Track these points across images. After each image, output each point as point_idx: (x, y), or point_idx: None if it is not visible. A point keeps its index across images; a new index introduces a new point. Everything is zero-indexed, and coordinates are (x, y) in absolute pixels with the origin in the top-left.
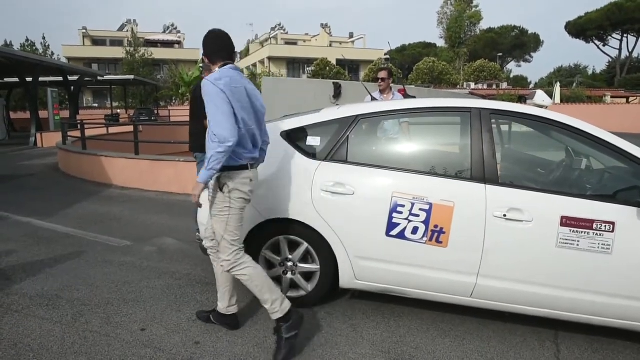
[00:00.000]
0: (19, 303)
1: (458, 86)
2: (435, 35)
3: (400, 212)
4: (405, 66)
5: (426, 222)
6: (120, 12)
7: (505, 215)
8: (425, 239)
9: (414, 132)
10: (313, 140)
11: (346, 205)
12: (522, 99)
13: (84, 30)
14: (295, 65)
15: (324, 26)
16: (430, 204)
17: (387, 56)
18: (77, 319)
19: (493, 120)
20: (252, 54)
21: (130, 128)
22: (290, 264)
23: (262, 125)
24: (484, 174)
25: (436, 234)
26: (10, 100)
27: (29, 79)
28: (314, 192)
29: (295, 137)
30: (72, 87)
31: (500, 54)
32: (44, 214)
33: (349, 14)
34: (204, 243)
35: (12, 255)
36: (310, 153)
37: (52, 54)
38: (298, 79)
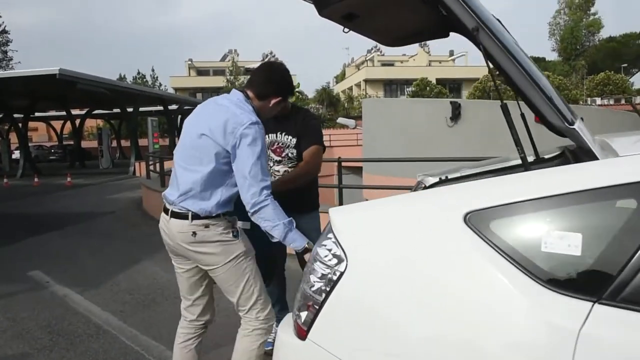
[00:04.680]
0: None
1: (581, 102)
2: (544, 49)
3: None
4: None
5: None
6: (223, 43)
7: None
8: None
9: None
10: (567, 243)
11: None
12: None
13: (190, 62)
14: (392, 87)
15: (423, 45)
16: None
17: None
18: None
19: None
20: (348, 77)
21: None
22: None
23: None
24: None
25: None
26: (122, 130)
27: (130, 109)
28: None
29: (511, 231)
30: (172, 116)
31: (625, 65)
32: (90, 281)
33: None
34: None
35: None
36: (562, 280)
37: (160, 84)
38: (405, 99)
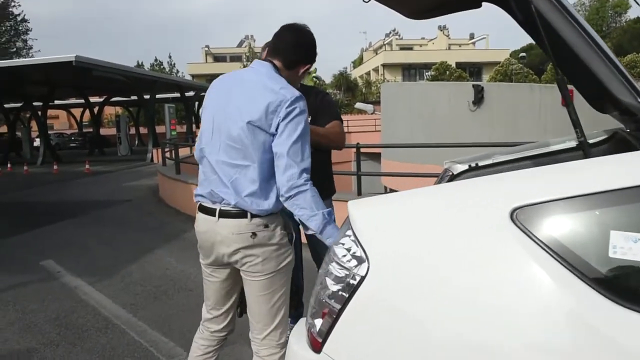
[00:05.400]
0: None
1: None
2: None
3: None
4: (538, 66)
5: None
6: (240, 29)
7: None
8: None
9: None
10: None
11: None
12: None
13: (207, 48)
14: (410, 72)
15: (442, 28)
16: None
17: (524, 53)
18: None
19: None
20: (366, 62)
21: None
22: None
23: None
24: None
25: None
26: (140, 117)
27: (147, 96)
28: None
29: (569, 231)
30: (190, 103)
31: None
32: (102, 271)
33: (469, 13)
34: None
35: None
36: (635, 294)
37: (177, 71)
38: (425, 83)
